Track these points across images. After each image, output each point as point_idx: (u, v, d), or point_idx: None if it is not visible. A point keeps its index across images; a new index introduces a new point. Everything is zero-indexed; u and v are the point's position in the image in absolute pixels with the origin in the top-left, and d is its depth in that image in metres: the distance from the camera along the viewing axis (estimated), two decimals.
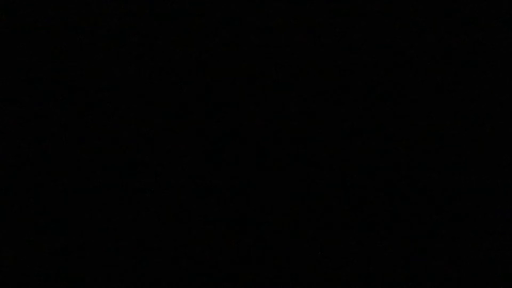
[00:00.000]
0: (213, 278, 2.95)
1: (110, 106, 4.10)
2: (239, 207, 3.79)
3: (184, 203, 3.81)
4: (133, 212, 3.98)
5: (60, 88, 4.46)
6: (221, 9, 4.20)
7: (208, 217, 3.63)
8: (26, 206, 3.69)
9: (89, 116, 4.06)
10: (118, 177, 4.04)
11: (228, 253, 3.06)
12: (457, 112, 4.18)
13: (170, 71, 4.19)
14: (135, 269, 3.05)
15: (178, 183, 3.95)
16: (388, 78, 4.39)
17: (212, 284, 2.96)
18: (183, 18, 4.31)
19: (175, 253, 3.12)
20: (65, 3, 4.37)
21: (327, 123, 4.50)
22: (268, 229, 3.44)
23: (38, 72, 4.31)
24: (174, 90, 4.14)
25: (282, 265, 2.99)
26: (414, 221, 3.68)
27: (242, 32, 4.16)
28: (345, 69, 4.30)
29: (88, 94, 4.27)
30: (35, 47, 4.48)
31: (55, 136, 4.12)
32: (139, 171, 4.00)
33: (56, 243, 3.35)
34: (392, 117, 4.55)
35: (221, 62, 4.19)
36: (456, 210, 3.69)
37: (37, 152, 3.92)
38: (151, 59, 4.33)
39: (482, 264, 3.19)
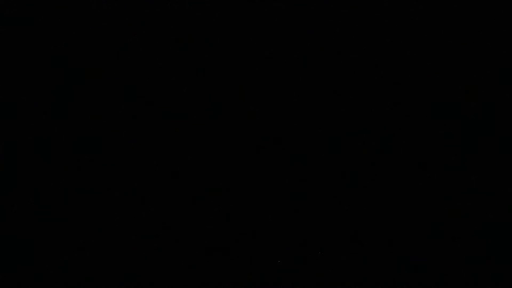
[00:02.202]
0: (212, 278, 2.95)
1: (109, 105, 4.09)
2: (238, 207, 3.80)
3: (183, 203, 3.81)
4: (132, 212, 3.98)
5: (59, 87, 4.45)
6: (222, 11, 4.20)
7: (207, 217, 3.63)
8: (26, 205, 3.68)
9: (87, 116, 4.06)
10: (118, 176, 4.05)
11: (226, 254, 3.06)
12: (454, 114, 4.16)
13: (169, 71, 4.19)
14: (134, 269, 3.05)
15: (177, 182, 3.95)
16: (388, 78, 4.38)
17: (212, 284, 2.96)
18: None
19: (173, 253, 3.12)
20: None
21: (326, 123, 4.50)
22: (267, 229, 3.43)
23: (38, 72, 4.30)
24: (174, 90, 4.14)
25: (283, 265, 2.99)
26: (415, 221, 3.68)
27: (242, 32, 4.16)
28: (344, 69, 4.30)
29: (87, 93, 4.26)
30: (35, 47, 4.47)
31: (54, 135, 4.12)
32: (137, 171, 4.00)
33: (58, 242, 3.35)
34: (392, 117, 4.54)
35: (220, 62, 4.18)
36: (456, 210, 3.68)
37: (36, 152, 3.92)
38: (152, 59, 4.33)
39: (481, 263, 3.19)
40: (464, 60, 4.26)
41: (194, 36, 4.29)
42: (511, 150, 3.78)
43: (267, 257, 2.91)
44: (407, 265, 2.91)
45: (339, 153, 4.22)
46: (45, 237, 3.44)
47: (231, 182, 3.81)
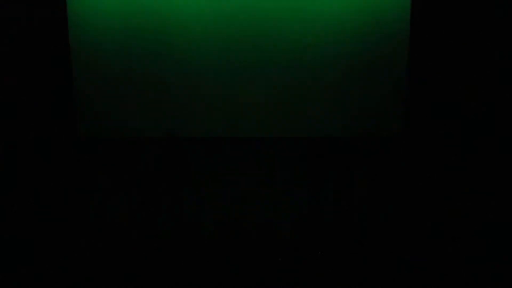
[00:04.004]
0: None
1: None
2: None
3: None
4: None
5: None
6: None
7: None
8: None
9: None
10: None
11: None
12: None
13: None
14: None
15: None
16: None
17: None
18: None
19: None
20: None
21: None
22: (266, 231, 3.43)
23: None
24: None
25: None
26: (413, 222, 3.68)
27: None
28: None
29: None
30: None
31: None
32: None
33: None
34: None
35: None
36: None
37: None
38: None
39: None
40: (464, 60, 4.25)
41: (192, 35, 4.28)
42: (511, 150, 3.78)
43: (267, 257, 2.91)
44: (407, 265, 2.91)
45: (339, 152, 4.22)
46: (45, 237, 3.44)
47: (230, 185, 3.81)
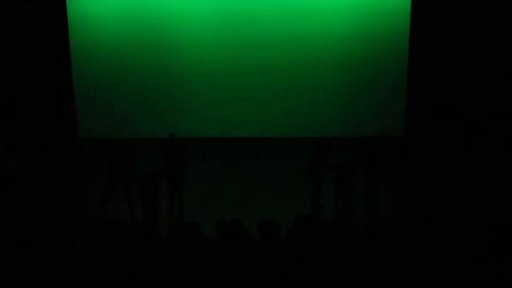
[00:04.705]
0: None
1: None
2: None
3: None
4: None
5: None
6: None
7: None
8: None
9: None
10: None
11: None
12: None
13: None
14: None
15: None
16: None
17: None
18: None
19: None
20: None
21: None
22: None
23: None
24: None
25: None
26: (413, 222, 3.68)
27: None
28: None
29: None
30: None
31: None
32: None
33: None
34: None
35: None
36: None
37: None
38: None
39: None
40: (464, 61, 4.25)
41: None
42: (511, 150, 3.78)
43: (267, 257, 2.92)
44: (407, 265, 2.90)
45: (339, 152, 4.22)
46: (45, 237, 3.44)
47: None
